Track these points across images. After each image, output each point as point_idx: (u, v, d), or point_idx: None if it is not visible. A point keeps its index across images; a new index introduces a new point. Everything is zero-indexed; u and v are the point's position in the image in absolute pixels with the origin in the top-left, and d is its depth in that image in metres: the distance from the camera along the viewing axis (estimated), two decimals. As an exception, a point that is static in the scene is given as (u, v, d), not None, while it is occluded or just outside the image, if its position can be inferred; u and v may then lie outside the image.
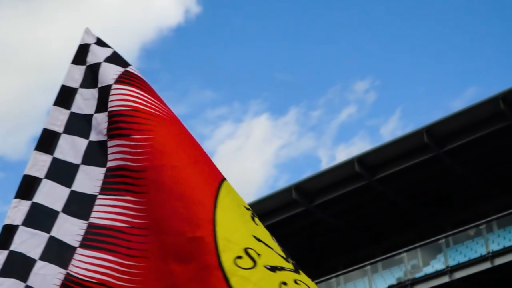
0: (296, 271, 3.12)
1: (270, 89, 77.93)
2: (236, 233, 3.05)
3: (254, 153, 78.66)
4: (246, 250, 2.99)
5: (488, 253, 27.62)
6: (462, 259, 28.61)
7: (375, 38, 70.77)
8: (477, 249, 28.58)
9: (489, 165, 30.32)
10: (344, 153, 76.96)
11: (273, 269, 3.01)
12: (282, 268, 3.04)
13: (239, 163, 76.62)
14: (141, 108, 3.33)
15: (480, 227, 28.93)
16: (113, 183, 3.26)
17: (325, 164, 79.09)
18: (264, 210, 31.94)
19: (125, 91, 3.38)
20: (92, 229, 3.20)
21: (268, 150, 78.36)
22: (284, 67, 75.02)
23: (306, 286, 3.06)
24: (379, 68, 72.08)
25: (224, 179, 3.26)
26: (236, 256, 2.96)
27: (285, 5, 73.39)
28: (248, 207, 3.29)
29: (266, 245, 3.09)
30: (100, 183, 3.28)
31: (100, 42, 3.61)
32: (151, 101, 3.39)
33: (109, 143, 3.32)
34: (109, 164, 3.30)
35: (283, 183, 75.53)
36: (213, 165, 3.31)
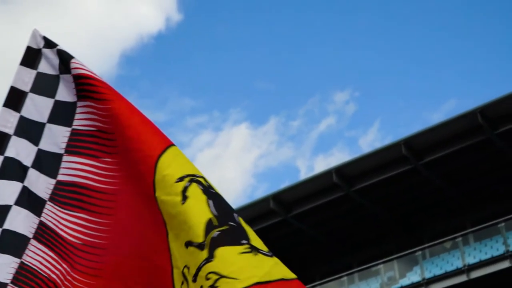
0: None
1: (250, 98, 78.06)
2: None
3: (233, 162, 78.69)
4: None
5: (464, 266, 27.71)
6: (438, 271, 28.68)
7: (355, 49, 71.05)
8: (453, 261, 28.66)
9: (466, 178, 30.46)
10: (322, 164, 77.19)
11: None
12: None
13: (218, 171, 76.53)
14: (106, 127, 3.31)
15: (457, 239, 29.04)
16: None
17: (304, 174, 79.38)
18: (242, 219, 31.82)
19: (89, 110, 3.36)
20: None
21: (247, 159, 78.42)
22: (264, 76, 75.20)
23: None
24: (359, 80, 72.39)
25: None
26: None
27: (266, 14, 73.56)
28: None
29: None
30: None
31: (48, 43, 3.54)
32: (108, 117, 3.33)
33: (65, 158, 3.32)
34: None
35: (261, 192, 75.73)
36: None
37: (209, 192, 3.08)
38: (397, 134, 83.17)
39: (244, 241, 3.07)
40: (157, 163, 3.09)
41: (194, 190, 3.04)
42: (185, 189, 3.02)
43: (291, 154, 77.76)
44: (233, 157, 78.55)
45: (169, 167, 3.08)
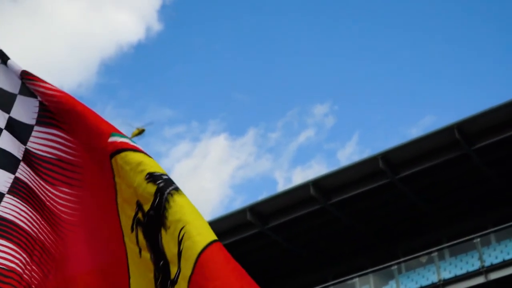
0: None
1: (229, 109, 78.06)
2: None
3: (211, 173, 78.53)
4: None
5: (440, 280, 27.79)
6: (413, 286, 28.72)
7: (335, 63, 71.35)
8: (428, 276, 28.72)
9: (443, 193, 30.58)
10: (300, 176, 77.31)
11: None
12: None
13: (195, 182, 76.37)
14: (65, 157, 3.32)
15: (432, 254, 29.12)
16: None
17: (282, 186, 79.42)
18: (218, 230, 31.67)
19: (47, 136, 3.37)
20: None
21: (225, 170, 78.29)
22: (244, 88, 75.26)
23: None
24: (338, 93, 72.65)
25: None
26: None
27: (246, 25, 73.67)
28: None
29: None
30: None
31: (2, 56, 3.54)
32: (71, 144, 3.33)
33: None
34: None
35: (238, 204, 75.54)
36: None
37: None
38: (375, 147, 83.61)
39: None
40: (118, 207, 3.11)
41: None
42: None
43: (269, 166, 77.81)
44: (211, 168, 78.46)
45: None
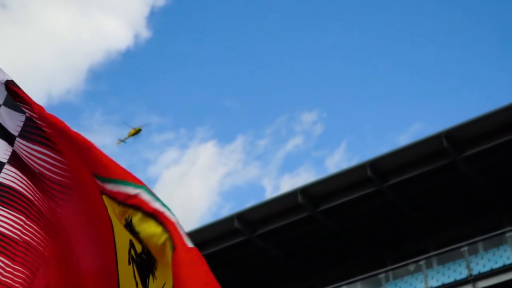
0: None
1: (217, 116, 77.95)
2: None
3: (199, 180, 78.34)
4: None
5: (427, 289, 27.75)
6: (401, 294, 28.69)
7: (324, 70, 71.37)
8: (416, 284, 28.68)
9: (431, 201, 30.56)
10: (289, 183, 77.20)
11: None
12: None
13: (183, 189, 76.22)
14: (50, 175, 3.30)
15: (420, 262, 29.08)
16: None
17: (270, 193, 79.25)
18: (206, 238, 31.67)
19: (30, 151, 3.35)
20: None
21: (213, 177, 78.15)
22: (232, 95, 75.18)
23: None
24: (327, 101, 72.69)
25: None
26: None
27: (235, 33, 73.67)
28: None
29: None
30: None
31: None
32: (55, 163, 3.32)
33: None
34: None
35: (227, 211, 75.46)
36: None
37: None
38: (364, 155, 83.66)
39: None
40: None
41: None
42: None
43: (257, 173, 77.72)
44: (199, 175, 78.29)
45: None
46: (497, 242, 28.13)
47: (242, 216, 32.03)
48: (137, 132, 53.32)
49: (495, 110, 27.28)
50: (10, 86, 3.33)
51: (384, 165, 29.05)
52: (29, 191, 3.26)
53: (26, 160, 3.29)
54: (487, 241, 28.33)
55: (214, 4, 75.45)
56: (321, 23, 71.40)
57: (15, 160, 3.29)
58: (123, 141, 54.06)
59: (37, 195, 3.26)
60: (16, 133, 3.31)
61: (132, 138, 53.70)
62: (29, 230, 3.22)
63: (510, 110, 26.95)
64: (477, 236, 28.64)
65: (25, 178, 3.27)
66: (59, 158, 3.23)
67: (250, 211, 32.04)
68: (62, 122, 3.20)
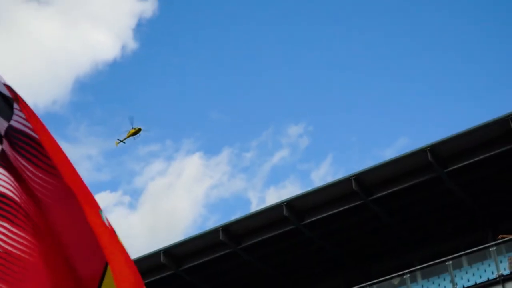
0: None
1: (203, 128, 77.98)
2: None
3: (185, 192, 78.19)
4: None
5: (411, 303, 27.78)
6: (385, 307, 28.70)
7: (311, 84, 71.56)
8: (400, 298, 28.70)
9: (415, 215, 30.65)
10: (274, 196, 77.21)
11: None
12: None
13: (169, 201, 76.05)
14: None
15: (404, 276, 29.10)
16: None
17: (255, 206, 79.23)
18: (191, 250, 31.64)
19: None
20: None
21: (199, 189, 78.05)
22: (219, 107, 75.21)
23: None
24: (313, 114, 72.87)
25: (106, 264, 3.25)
26: None
27: (222, 45, 73.77)
28: None
29: None
30: None
31: None
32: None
33: None
34: None
35: (212, 223, 75.29)
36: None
37: None
38: (349, 168, 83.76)
39: None
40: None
41: None
42: None
43: (243, 186, 77.73)
44: (185, 187, 78.15)
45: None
46: (481, 257, 28.21)
47: (227, 229, 32.00)
48: (136, 132, 53.00)
49: (478, 125, 27.44)
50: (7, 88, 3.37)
51: (369, 179, 29.14)
52: (16, 193, 3.25)
53: (13, 161, 3.29)
54: (471, 255, 28.40)
55: (201, 17, 75.65)
56: (308, 39, 71.70)
57: (2, 159, 3.29)
58: (122, 141, 53.67)
59: (23, 197, 3.26)
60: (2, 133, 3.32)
61: (131, 138, 53.43)
62: (13, 238, 3.21)
63: (493, 126, 27.13)
64: (462, 251, 28.73)
65: (12, 179, 3.27)
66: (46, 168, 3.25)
67: (235, 224, 32.01)
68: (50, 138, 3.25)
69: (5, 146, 3.30)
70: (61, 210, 3.24)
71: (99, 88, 78.76)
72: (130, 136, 53.24)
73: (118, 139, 53.84)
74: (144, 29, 77.60)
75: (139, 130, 53.15)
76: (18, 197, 3.25)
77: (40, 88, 74.89)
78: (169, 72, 75.67)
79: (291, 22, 71.60)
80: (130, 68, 77.26)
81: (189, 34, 75.58)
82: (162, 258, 31.99)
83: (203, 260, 32.05)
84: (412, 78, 69.67)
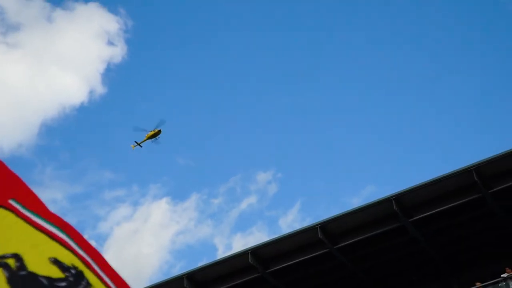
0: None
1: (171, 174, 77.83)
2: None
3: (151, 237, 77.65)
4: None
5: None
6: None
7: (280, 131, 71.94)
8: None
9: (380, 265, 30.69)
10: (241, 243, 76.97)
11: None
12: None
13: (134, 246, 75.44)
14: None
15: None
16: None
17: (222, 252, 78.83)
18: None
19: None
20: None
21: (165, 235, 77.59)
22: (187, 153, 75.19)
23: None
24: (282, 161, 73.12)
25: None
26: None
27: (189, 90, 74.04)
28: None
29: None
30: None
31: None
32: None
33: None
34: None
35: (178, 269, 74.74)
36: None
37: (18, 276, 3.03)
38: (317, 215, 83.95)
39: None
40: None
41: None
42: None
43: (209, 232, 77.47)
44: (151, 232, 77.63)
45: None
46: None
47: (192, 276, 31.75)
48: (156, 134, 50.94)
49: (443, 175, 27.70)
50: None
51: (335, 227, 29.18)
52: None
53: None
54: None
55: (169, 62, 75.95)
56: (278, 82, 72.22)
57: None
58: (139, 144, 51.64)
59: None
60: None
61: (149, 141, 51.50)
62: None
63: (458, 177, 27.40)
64: (426, 300, 28.80)
65: None
66: None
67: (200, 271, 31.78)
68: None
69: None
70: None
71: (66, 132, 78.52)
72: (148, 139, 51.34)
73: (136, 142, 51.72)
74: (112, 74, 77.83)
75: (159, 132, 50.98)
76: None
77: (6, 131, 74.45)
78: (137, 117, 75.71)
79: (261, 68, 72.21)
80: (97, 112, 77.26)
81: (157, 80, 75.84)
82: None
83: (167, 307, 31.72)
84: (381, 127, 70.40)
